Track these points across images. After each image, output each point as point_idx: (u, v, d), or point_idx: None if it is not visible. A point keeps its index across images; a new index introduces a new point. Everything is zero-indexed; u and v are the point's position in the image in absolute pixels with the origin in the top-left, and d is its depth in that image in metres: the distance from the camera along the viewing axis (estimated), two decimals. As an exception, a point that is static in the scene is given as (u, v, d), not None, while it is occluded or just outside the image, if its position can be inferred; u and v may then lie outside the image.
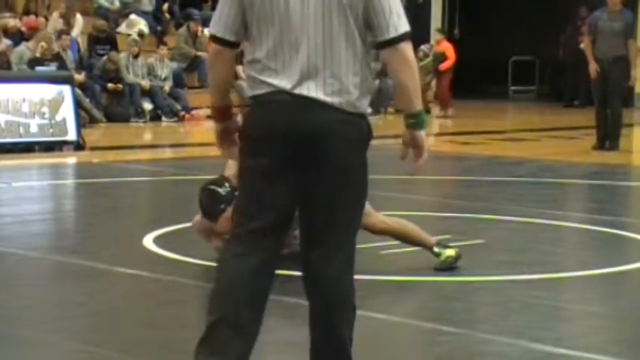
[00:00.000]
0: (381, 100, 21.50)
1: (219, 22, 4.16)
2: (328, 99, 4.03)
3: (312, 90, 4.03)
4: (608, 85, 14.34)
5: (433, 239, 7.06)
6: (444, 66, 20.65)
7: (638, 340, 5.70)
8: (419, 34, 25.05)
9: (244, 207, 4.16)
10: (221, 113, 4.27)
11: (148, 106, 18.55)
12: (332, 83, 4.03)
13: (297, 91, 4.04)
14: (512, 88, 25.83)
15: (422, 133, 4.20)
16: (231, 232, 4.26)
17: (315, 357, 4.21)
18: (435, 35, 22.04)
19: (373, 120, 4.89)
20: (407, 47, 4.07)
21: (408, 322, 5.92)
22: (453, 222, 9.02)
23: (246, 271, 4.12)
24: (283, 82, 4.05)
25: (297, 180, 4.06)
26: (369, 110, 4.30)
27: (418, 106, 4.14)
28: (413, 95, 4.11)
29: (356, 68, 4.06)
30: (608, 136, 14.58)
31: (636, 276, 7.29)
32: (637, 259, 7.63)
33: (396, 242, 7.36)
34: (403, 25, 4.05)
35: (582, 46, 14.75)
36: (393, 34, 4.04)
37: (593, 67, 14.26)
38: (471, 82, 24.57)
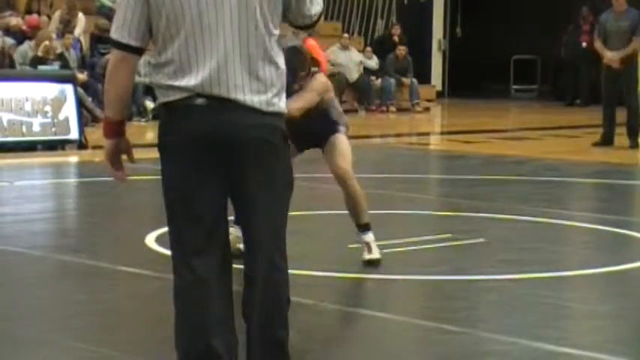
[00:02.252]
0: (383, 99, 21.58)
1: (123, 28, 3.95)
2: (247, 100, 3.87)
3: (230, 92, 3.87)
4: (622, 84, 14.55)
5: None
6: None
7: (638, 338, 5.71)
8: (422, 34, 25.13)
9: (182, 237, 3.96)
10: (115, 128, 4.01)
11: (150, 104, 18.55)
12: (249, 83, 3.88)
13: (214, 92, 3.87)
14: (514, 86, 25.83)
15: None
16: (177, 263, 3.98)
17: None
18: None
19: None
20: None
21: (409, 321, 5.91)
22: (454, 221, 9.01)
23: (208, 298, 3.95)
24: (198, 85, 3.87)
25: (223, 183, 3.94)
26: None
27: None
28: None
29: (270, 65, 3.92)
30: (629, 135, 14.72)
31: (639, 275, 7.28)
32: (638, 259, 7.62)
33: (399, 241, 7.37)
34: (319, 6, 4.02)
35: (596, 45, 14.89)
36: (314, 19, 4.01)
37: (609, 56, 14.47)
38: (473, 80, 24.59)
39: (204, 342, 3.91)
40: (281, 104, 3.94)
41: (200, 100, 3.87)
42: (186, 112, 3.88)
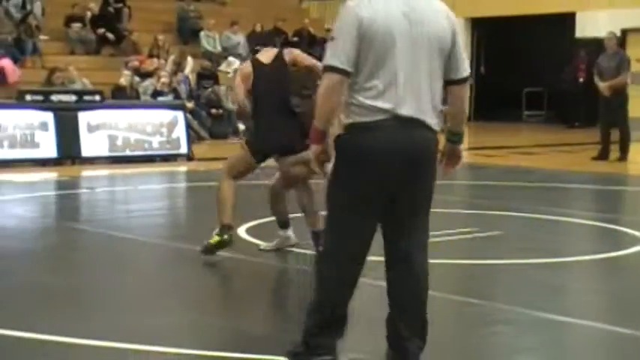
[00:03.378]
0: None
1: (340, 56, 3.87)
2: (428, 120, 3.98)
3: (416, 113, 3.94)
4: (613, 111, 14.48)
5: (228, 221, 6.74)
6: None
7: (626, 311, 5.65)
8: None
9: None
10: (322, 136, 4.00)
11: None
12: (429, 109, 3.98)
13: (407, 114, 3.92)
14: (526, 112, 25.53)
15: (461, 147, 4.26)
16: (330, 245, 4.09)
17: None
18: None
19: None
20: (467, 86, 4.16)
21: (443, 296, 5.90)
22: (478, 218, 8.98)
23: (351, 277, 4.07)
24: (395, 108, 3.91)
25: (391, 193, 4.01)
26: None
27: (463, 128, 4.22)
28: (465, 120, 4.22)
29: (439, 97, 4.04)
30: (620, 150, 14.60)
31: (625, 260, 7.21)
32: (627, 247, 7.54)
33: (434, 233, 7.34)
34: (468, 69, 4.12)
35: (594, 79, 14.94)
36: (465, 74, 4.10)
37: (602, 86, 14.47)
38: (493, 108, 24.39)
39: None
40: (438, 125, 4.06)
41: (393, 121, 3.91)
42: (383, 129, 3.91)
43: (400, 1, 3.94)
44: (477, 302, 5.65)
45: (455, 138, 4.21)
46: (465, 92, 4.14)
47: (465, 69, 4.09)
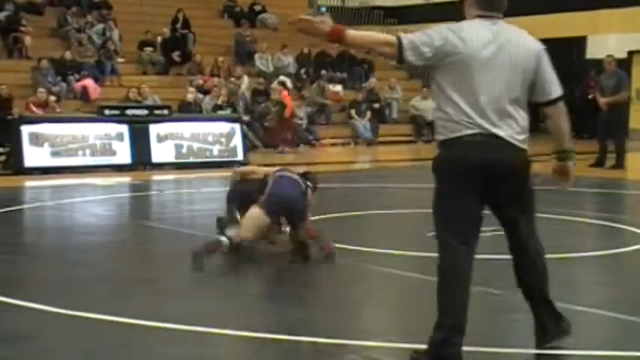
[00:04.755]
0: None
1: (415, 42, 3.77)
2: (512, 139, 3.87)
3: (501, 131, 3.82)
4: (610, 123, 14.28)
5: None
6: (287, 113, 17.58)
7: (629, 300, 5.59)
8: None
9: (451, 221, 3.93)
10: (341, 35, 3.80)
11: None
12: (516, 127, 3.89)
13: (491, 131, 3.80)
14: (541, 124, 25.24)
15: (571, 163, 4.16)
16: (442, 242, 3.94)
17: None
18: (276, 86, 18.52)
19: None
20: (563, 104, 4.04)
21: (472, 288, 5.88)
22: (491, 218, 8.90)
23: (464, 274, 3.95)
24: (481, 125, 3.82)
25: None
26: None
27: (570, 144, 4.11)
28: (568, 136, 4.11)
29: (522, 119, 3.96)
30: (616, 159, 14.39)
31: (627, 256, 7.13)
32: (628, 245, 7.46)
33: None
34: (558, 90, 4.02)
35: (595, 96, 14.84)
36: (554, 96, 4.00)
37: (602, 101, 14.31)
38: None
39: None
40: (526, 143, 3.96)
41: (480, 137, 3.82)
42: (470, 145, 3.82)
43: (488, 28, 3.83)
44: (497, 292, 5.61)
45: (561, 155, 4.13)
46: (558, 112, 3.99)
47: (554, 90, 3.96)
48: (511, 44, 3.86)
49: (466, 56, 3.78)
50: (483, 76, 3.80)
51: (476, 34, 3.82)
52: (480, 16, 3.87)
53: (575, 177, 4.38)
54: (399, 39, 3.77)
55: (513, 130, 3.88)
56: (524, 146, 3.93)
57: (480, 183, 3.86)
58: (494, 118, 3.83)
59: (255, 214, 6.40)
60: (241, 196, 6.97)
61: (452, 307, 3.87)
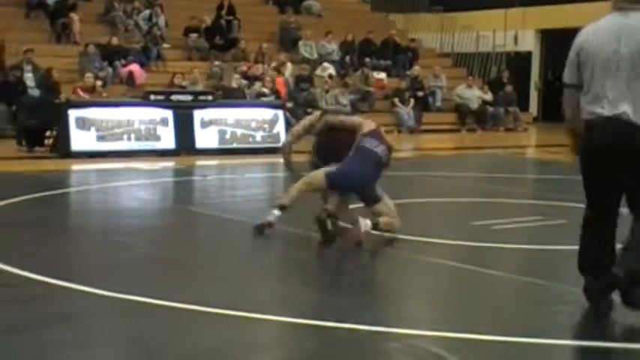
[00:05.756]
0: (496, 122, 21.14)
1: (568, 74, 4.65)
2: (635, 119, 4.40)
3: (627, 116, 4.39)
4: None
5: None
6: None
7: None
8: (524, 76, 24.55)
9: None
10: (573, 133, 4.78)
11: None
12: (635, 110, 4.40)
13: (616, 114, 4.41)
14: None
15: None
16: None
17: None
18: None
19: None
20: None
21: (509, 276, 5.82)
22: (544, 207, 8.78)
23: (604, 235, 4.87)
24: (607, 110, 4.44)
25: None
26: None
27: None
28: None
29: None
30: None
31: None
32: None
33: (505, 220, 7.23)
34: None
35: None
36: None
37: None
38: (559, 110, 23.80)
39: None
40: None
41: (608, 121, 4.44)
42: (599, 128, 4.49)
43: (615, 25, 4.47)
44: (542, 283, 5.54)
45: None
46: None
47: None
48: (635, 38, 4.46)
49: (590, 55, 4.58)
50: (605, 70, 4.51)
51: (602, 32, 4.55)
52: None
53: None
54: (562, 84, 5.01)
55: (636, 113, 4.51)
56: None
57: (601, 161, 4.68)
58: (618, 104, 4.46)
59: (317, 180, 6.78)
60: (325, 150, 7.05)
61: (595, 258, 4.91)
